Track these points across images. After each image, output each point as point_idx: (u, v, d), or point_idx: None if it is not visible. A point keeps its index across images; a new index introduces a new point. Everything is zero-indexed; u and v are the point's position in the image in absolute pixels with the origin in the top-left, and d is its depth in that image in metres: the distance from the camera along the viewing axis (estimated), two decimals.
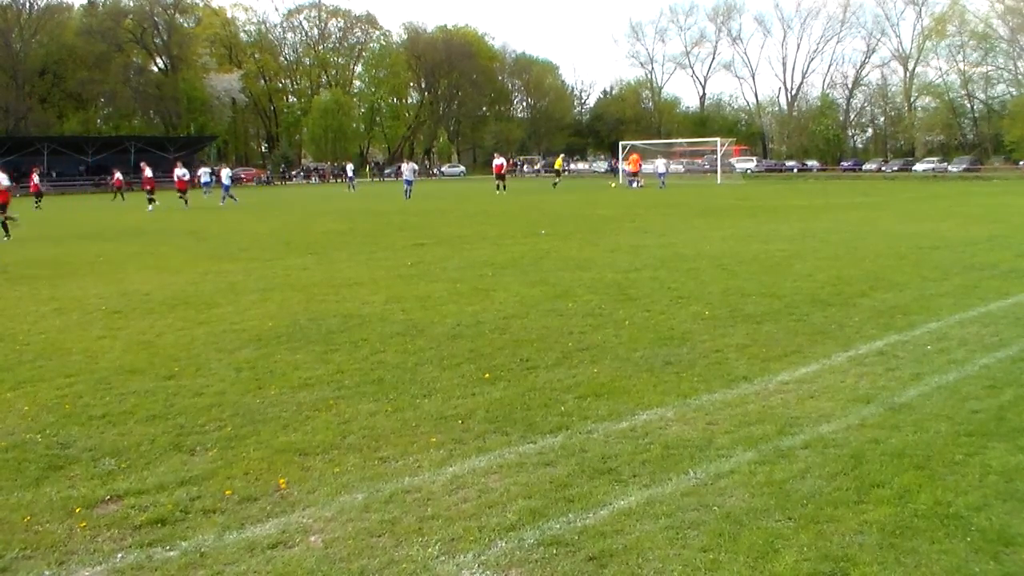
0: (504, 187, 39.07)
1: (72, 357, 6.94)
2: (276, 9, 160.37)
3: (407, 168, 39.55)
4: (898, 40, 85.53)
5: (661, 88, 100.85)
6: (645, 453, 4.47)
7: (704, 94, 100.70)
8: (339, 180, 74.68)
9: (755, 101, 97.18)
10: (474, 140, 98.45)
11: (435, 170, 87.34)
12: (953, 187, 39.11)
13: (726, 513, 3.70)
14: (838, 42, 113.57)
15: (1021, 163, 58.48)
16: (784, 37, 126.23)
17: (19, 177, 55.20)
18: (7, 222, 19.24)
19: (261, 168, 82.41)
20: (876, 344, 6.73)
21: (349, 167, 54.19)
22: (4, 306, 9.70)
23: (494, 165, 41.29)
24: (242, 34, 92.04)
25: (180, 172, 34.19)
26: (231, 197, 35.11)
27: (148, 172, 34.58)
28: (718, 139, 54.67)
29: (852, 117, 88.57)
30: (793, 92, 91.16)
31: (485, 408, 5.31)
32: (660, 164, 47.03)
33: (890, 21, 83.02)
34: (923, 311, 8.08)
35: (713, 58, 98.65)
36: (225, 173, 37.28)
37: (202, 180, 40.34)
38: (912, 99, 79.09)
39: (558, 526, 3.63)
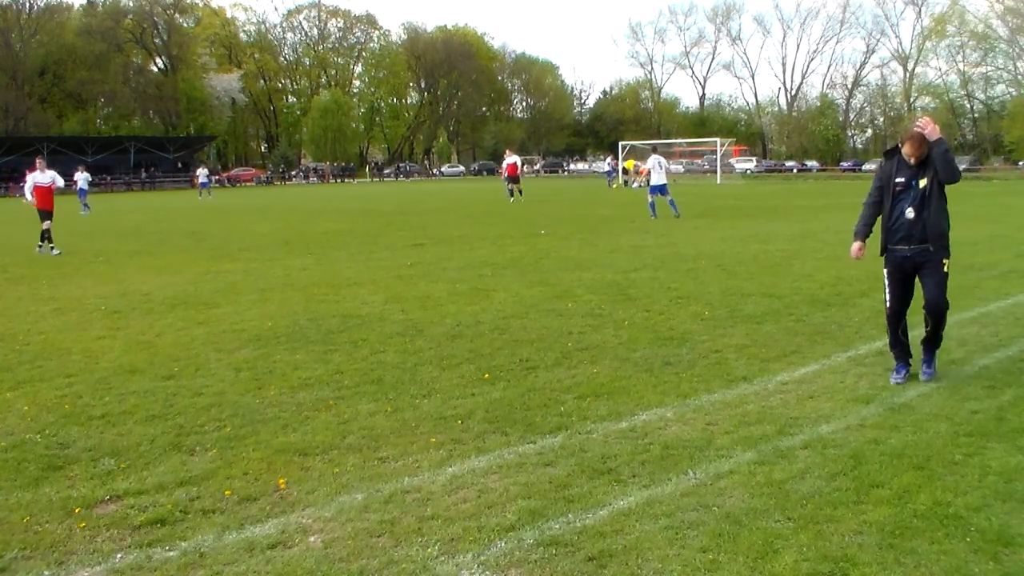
0: (520, 192, 30.72)
1: (72, 357, 6.93)
2: (276, 9, 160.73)
3: (662, 162, 21.58)
4: (898, 40, 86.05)
5: (661, 88, 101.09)
6: (645, 453, 4.47)
7: (704, 94, 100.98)
8: (340, 180, 74.80)
9: (755, 101, 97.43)
10: (474, 140, 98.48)
11: (435, 170, 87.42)
12: (952, 187, 38.97)
13: (726, 513, 3.70)
14: (838, 42, 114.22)
15: (1021, 163, 58.53)
16: (784, 37, 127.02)
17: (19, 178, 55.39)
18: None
19: (261, 168, 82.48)
20: (876, 344, 6.72)
21: (202, 171, 47.41)
22: (4, 306, 9.69)
23: (506, 165, 31.70)
24: (242, 34, 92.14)
25: None
26: (84, 205, 30.78)
27: None
28: (718, 139, 54.75)
29: (852, 117, 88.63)
30: (793, 92, 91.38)
31: (485, 408, 5.31)
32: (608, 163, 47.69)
33: (890, 21, 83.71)
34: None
35: (712, 58, 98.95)
36: (82, 177, 31.92)
37: (78, 186, 32.31)
38: (912, 99, 79.13)
39: (557, 526, 3.63)
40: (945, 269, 5.59)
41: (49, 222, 16.03)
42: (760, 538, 3.45)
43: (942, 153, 5.46)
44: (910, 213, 5.56)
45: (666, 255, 12.95)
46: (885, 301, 5.85)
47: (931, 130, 5.48)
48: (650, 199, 20.84)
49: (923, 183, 5.54)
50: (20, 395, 5.84)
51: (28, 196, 16.29)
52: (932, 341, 5.74)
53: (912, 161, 5.56)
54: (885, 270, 5.79)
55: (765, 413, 5.10)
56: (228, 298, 9.79)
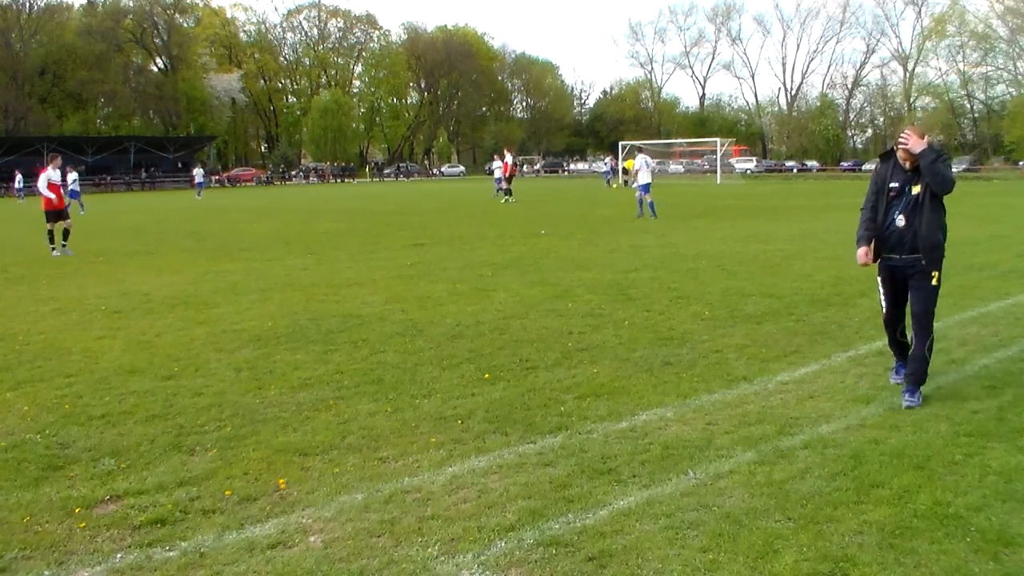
0: (509, 192, 30.70)
1: (72, 357, 6.93)
2: (276, 9, 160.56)
3: (648, 161, 22.27)
4: (898, 40, 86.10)
5: (661, 88, 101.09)
6: (645, 453, 4.47)
7: (704, 94, 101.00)
8: (340, 180, 74.78)
9: (755, 101, 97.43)
10: (474, 140, 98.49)
11: (435, 170, 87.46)
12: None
13: (726, 513, 3.70)
14: (838, 42, 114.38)
15: (1021, 163, 58.49)
16: (784, 37, 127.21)
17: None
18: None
19: (261, 168, 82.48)
20: (876, 344, 6.72)
21: (198, 171, 44.03)
22: (4, 306, 9.69)
23: (503, 163, 31.81)
24: (242, 34, 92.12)
25: None
26: (80, 205, 29.33)
27: None
28: (718, 139, 54.77)
29: (852, 117, 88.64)
30: (793, 92, 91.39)
31: (485, 408, 5.31)
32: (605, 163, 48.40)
33: (890, 21, 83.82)
34: None
35: (713, 58, 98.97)
36: (71, 177, 29.52)
37: (70, 186, 29.98)
38: (912, 99, 79.16)
39: (557, 526, 3.63)
40: (934, 283, 5.33)
41: (68, 220, 15.90)
42: (760, 538, 3.45)
43: (928, 164, 5.21)
44: (901, 221, 5.32)
45: (666, 255, 12.95)
46: (881, 305, 5.78)
47: (913, 143, 5.23)
48: (648, 199, 20.93)
49: (916, 190, 5.30)
50: (20, 395, 5.84)
51: (45, 191, 15.65)
52: (918, 367, 5.28)
53: (907, 165, 5.36)
54: (879, 277, 5.65)
55: (765, 413, 5.10)
56: (228, 298, 9.79)
